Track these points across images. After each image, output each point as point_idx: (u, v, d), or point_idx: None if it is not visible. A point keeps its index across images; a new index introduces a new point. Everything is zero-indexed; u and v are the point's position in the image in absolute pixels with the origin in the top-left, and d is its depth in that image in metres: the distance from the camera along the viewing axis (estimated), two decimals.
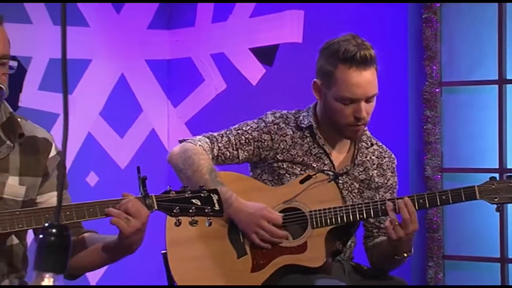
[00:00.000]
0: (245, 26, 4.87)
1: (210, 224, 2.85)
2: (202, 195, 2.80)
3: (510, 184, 3.21)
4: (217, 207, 2.81)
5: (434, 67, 4.36)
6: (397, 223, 3.15)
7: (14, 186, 2.74)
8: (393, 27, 4.41)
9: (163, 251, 3.35)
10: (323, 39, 4.49)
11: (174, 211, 2.76)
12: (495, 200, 3.21)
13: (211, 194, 2.81)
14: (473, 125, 4.37)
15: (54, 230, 1.58)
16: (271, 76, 4.79)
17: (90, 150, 4.81)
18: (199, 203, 2.79)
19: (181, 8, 5.08)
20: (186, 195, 2.79)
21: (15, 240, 2.80)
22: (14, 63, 2.71)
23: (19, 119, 2.79)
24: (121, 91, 4.96)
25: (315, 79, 3.33)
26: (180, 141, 3.40)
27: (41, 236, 1.59)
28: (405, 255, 3.24)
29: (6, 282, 2.78)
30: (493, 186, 3.21)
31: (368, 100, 3.26)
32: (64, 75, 1.31)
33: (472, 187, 3.21)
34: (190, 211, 2.77)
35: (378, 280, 3.34)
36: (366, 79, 3.23)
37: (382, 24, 4.41)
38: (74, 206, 2.69)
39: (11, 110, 2.79)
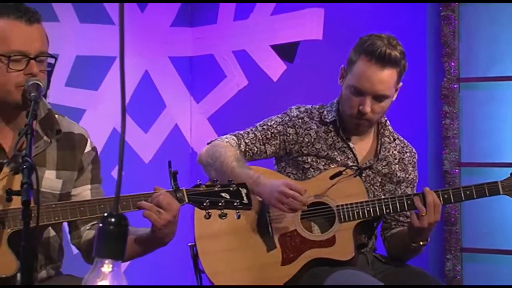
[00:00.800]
0: (266, 23, 4.91)
1: (239, 217, 2.89)
2: (231, 189, 2.85)
3: None
4: (245, 200, 2.85)
5: (452, 64, 4.39)
6: (423, 214, 3.23)
7: (51, 180, 2.81)
8: (412, 25, 4.43)
9: (190, 244, 3.39)
10: (342, 37, 4.57)
11: (204, 204, 2.81)
12: None
13: (240, 188, 2.86)
14: (490, 120, 4.40)
15: (113, 220, 1.66)
16: (292, 72, 4.83)
17: (115, 145, 4.78)
18: (228, 197, 2.83)
19: (203, 6, 5.13)
20: (216, 189, 2.83)
21: (52, 232, 2.89)
22: (52, 60, 2.76)
23: (56, 116, 2.86)
24: (145, 88, 5.01)
25: (343, 65, 3.39)
26: (208, 143, 3.44)
27: (101, 225, 1.67)
28: (421, 243, 3.31)
29: (43, 273, 2.86)
30: None
31: (377, 98, 3.28)
32: (122, 76, 1.38)
33: (495, 182, 3.27)
34: (220, 204, 2.82)
35: (399, 268, 3.38)
36: (379, 77, 3.26)
37: (401, 21, 4.44)
38: (108, 200, 2.76)
39: (49, 106, 2.86)
